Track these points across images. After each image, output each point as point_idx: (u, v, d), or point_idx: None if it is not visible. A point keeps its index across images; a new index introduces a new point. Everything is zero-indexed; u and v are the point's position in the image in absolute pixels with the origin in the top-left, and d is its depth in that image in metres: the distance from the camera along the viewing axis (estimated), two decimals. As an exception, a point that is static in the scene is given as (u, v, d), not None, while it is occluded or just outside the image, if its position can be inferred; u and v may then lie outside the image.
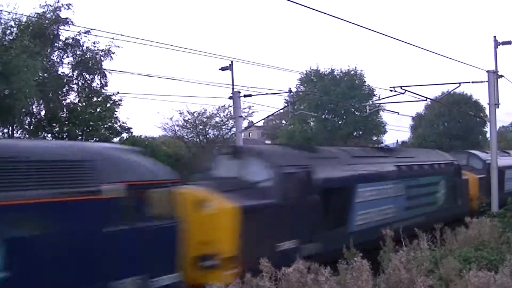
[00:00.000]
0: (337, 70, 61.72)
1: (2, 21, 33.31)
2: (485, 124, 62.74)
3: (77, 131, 36.73)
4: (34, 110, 36.64)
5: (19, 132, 35.90)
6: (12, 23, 34.11)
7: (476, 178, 32.45)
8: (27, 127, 36.58)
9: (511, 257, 14.13)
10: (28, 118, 36.52)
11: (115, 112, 39.34)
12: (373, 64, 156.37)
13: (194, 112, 51.41)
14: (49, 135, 36.91)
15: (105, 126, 38.66)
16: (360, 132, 62.01)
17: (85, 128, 37.38)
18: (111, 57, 38.36)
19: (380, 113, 58.97)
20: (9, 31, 33.99)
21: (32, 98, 33.43)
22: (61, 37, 37.55)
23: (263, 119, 70.87)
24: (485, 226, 20.59)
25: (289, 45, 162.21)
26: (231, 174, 17.22)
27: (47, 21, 36.01)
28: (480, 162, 35.29)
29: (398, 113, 47.65)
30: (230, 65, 37.18)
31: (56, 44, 37.44)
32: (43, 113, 37.34)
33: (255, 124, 56.10)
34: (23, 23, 34.85)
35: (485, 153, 37.22)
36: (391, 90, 33.40)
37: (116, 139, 39.40)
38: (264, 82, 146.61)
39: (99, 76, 39.06)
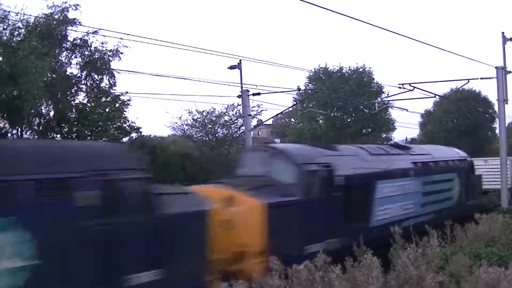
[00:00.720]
0: (345, 67, 61.70)
1: (10, 22, 33.34)
2: (494, 120, 62.64)
3: (86, 132, 36.81)
4: (43, 110, 36.68)
5: (28, 133, 35.98)
6: (20, 24, 34.13)
7: (259, 206, 16.06)
8: (36, 127, 36.64)
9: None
10: (37, 119, 36.58)
11: (124, 112, 39.42)
12: (381, 62, 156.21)
13: (203, 111, 51.44)
14: (58, 136, 36.98)
15: (114, 126, 38.73)
16: (369, 130, 61.92)
17: (94, 129, 37.44)
18: (119, 57, 38.41)
19: (389, 110, 58.98)
20: (17, 32, 34.00)
21: (41, 99, 33.45)
22: (69, 38, 37.57)
23: (272, 117, 70.95)
24: (495, 222, 20.57)
25: (298, 43, 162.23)
26: None
27: (55, 22, 36.03)
28: (289, 169, 18.16)
29: (407, 110, 47.55)
30: (238, 63, 37.19)
31: (64, 44, 37.44)
32: (52, 113, 37.39)
33: (264, 123, 56.05)
34: (31, 24, 34.87)
35: (315, 149, 20.90)
36: (400, 87, 33.44)
37: (125, 139, 39.48)
38: (273, 80, 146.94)
39: (107, 76, 39.09)
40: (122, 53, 38.33)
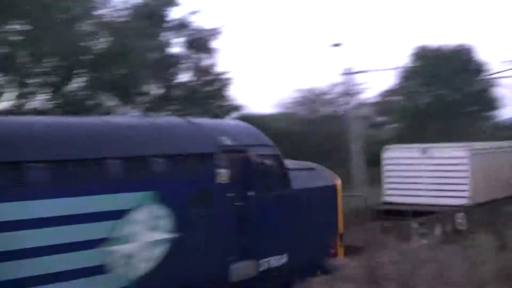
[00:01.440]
0: (446, 45, 60.43)
1: (115, 5, 34.22)
2: None
3: (190, 110, 37.35)
4: (150, 90, 37.44)
5: (135, 112, 36.82)
6: (125, 6, 35.03)
7: None
8: (143, 106, 37.41)
9: None
10: (144, 97, 37.36)
11: (227, 90, 39.89)
12: (484, 38, 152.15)
13: (306, 89, 51.59)
14: (165, 114, 37.69)
15: (218, 104, 39.22)
16: (475, 107, 60.40)
17: (198, 107, 37.96)
18: (220, 36, 38.83)
19: (496, 88, 57.60)
20: (123, 13, 34.86)
21: (147, 78, 34.21)
22: (170, 18, 38.28)
23: (375, 95, 70.20)
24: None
25: (400, 20, 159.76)
26: None
27: (157, 3, 36.81)
28: None
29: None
30: (341, 42, 37.06)
31: (167, 25, 38.14)
32: (158, 92, 38.10)
33: (367, 101, 55.70)
34: (136, 5, 35.70)
35: None
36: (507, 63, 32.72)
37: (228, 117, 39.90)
38: (376, 58, 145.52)
39: (209, 55, 39.57)
40: (222, 32, 38.78)
